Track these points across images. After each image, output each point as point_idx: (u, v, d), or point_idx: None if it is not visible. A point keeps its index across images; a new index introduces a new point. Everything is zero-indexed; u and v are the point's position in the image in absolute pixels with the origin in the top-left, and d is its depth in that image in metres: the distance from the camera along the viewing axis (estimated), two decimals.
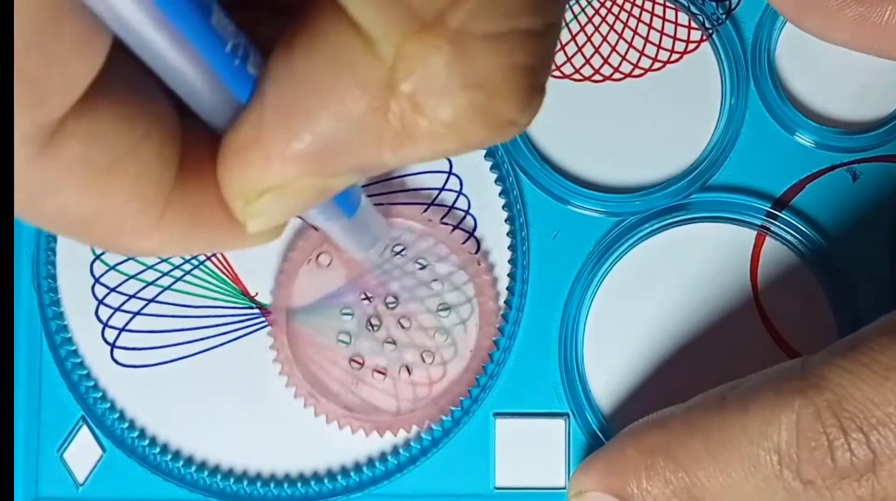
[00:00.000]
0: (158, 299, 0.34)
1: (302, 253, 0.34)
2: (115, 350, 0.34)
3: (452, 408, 0.34)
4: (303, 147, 0.19)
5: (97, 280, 0.34)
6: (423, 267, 0.34)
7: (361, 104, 0.19)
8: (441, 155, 0.20)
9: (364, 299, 0.34)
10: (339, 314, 0.34)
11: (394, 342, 0.34)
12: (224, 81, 0.19)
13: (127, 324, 0.34)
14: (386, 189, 0.34)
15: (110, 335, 0.34)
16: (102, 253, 0.34)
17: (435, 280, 0.34)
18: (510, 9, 0.18)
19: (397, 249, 0.34)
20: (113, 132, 0.19)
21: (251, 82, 0.20)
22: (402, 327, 0.34)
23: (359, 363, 0.34)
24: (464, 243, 0.34)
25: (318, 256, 0.34)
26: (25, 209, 0.20)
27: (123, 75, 0.19)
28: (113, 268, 0.34)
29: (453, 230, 0.34)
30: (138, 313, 0.34)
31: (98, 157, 0.19)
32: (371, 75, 0.18)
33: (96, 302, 0.34)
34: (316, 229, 0.33)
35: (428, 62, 0.18)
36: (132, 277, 0.34)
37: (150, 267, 0.34)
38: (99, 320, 0.34)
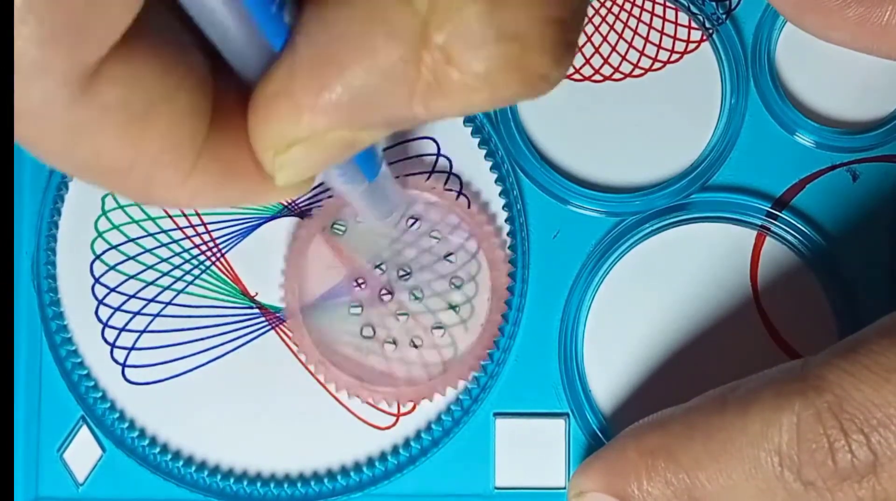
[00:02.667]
0: (158, 299, 0.34)
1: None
2: (115, 350, 0.34)
3: (453, 408, 0.34)
4: (333, 98, 0.19)
5: (97, 280, 0.34)
6: (438, 240, 0.34)
7: (393, 55, 0.19)
8: (472, 109, 0.20)
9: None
10: (349, 296, 0.34)
11: (406, 314, 0.34)
12: (259, 28, 0.19)
13: (127, 324, 0.34)
14: None
15: (110, 335, 0.34)
16: (102, 253, 0.34)
17: (449, 254, 0.34)
18: None
19: (411, 221, 0.34)
20: (149, 78, 0.19)
21: (285, 31, 0.20)
22: (415, 298, 0.34)
23: (370, 333, 0.34)
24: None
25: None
26: (60, 155, 0.20)
27: (159, 22, 0.19)
28: (113, 268, 0.34)
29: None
30: (138, 313, 0.34)
31: (134, 102, 0.19)
32: (404, 26, 0.19)
33: (96, 302, 0.34)
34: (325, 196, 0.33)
35: (462, 13, 0.18)
36: (132, 277, 0.34)
37: (150, 267, 0.34)
38: (99, 320, 0.34)
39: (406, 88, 0.19)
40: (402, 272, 0.34)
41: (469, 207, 0.34)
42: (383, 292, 0.34)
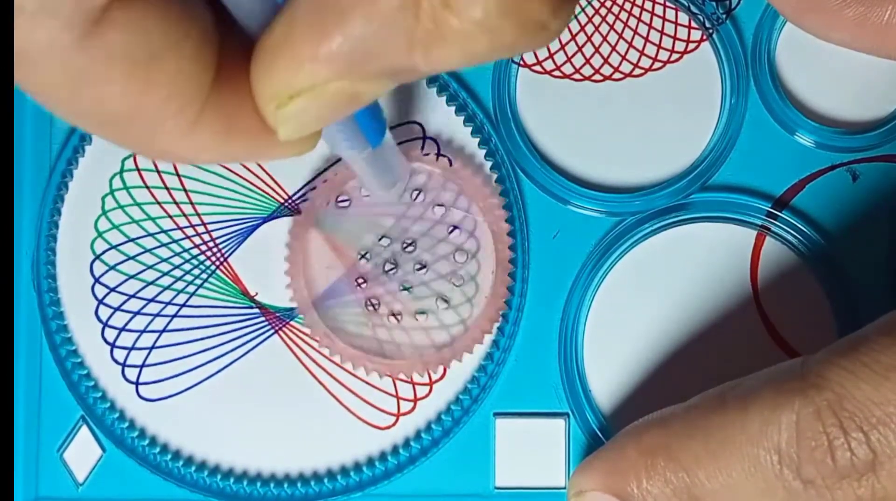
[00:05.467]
0: (158, 299, 0.34)
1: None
2: (115, 350, 0.34)
3: (453, 408, 0.34)
4: (333, 48, 0.20)
5: (97, 280, 0.34)
6: (443, 209, 0.34)
7: (392, 2, 0.19)
8: (472, 58, 0.20)
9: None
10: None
11: (410, 288, 0.34)
12: None
13: (127, 324, 0.34)
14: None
15: (110, 334, 0.34)
16: (102, 253, 0.34)
17: (453, 229, 0.34)
18: None
19: (415, 194, 0.34)
20: (154, 27, 0.20)
21: None
22: (419, 271, 0.34)
23: (374, 306, 0.34)
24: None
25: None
26: (63, 101, 0.20)
27: None
28: (113, 268, 0.34)
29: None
30: (138, 313, 0.34)
31: (138, 49, 0.19)
32: None
33: (96, 302, 0.34)
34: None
35: None
36: (132, 277, 0.34)
37: (150, 267, 0.34)
38: (99, 320, 0.34)
39: (405, 36, 0.19)
40: (405, 244, 0.34)
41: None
42: (387, 265, 0.34)
